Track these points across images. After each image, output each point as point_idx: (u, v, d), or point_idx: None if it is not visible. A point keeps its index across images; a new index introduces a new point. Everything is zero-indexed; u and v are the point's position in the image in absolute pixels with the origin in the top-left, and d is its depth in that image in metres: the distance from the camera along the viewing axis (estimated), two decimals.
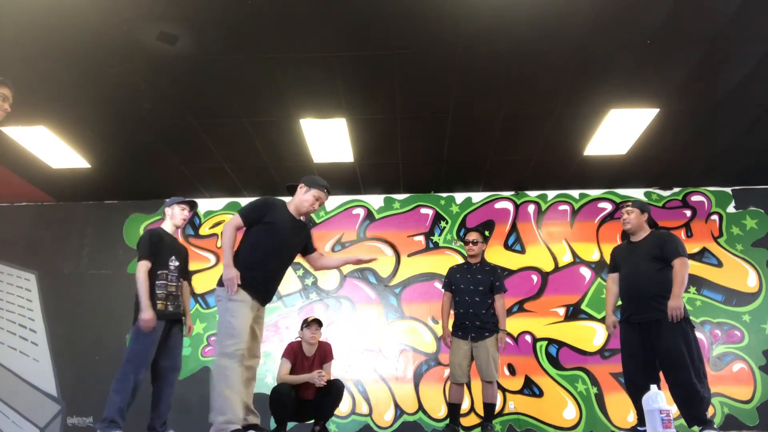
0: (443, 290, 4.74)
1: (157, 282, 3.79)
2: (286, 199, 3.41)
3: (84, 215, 6.47)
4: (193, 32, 3.79)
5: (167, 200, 4.14)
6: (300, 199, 3.32)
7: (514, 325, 5.82)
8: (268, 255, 3.19)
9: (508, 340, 4.77)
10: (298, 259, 3.52)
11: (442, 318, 4.66)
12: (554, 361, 5.80)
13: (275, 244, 3.21)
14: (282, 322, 6.04)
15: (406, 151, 5.47)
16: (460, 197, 6.45)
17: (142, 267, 3.76)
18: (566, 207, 6.37)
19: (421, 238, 6.30)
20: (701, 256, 6.05)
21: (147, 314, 3.64)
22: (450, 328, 4.57)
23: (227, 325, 3.01)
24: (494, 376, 4.34)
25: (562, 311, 5.97)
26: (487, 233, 6.16)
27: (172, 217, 4.02)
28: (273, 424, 4.13)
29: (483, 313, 4.43)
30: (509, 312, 5.78)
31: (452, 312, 4.62)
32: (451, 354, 4.49)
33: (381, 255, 6.22)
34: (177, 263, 3.91)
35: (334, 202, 6.44)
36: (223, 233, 3.16)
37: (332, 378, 4.27)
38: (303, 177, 3.40)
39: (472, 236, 4.62)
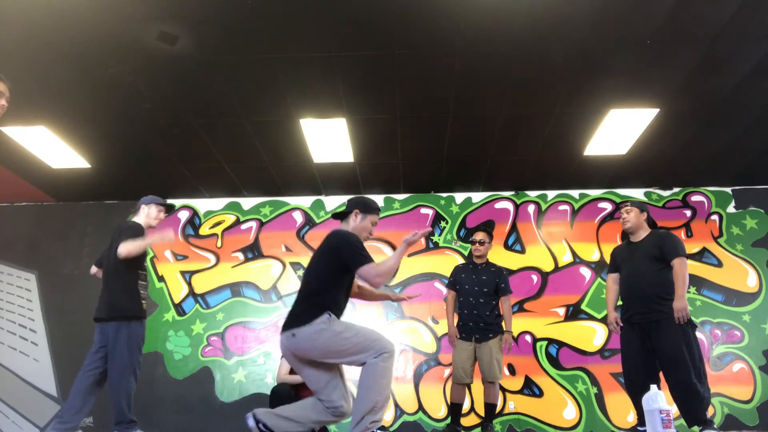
0: (447, 289, 4.71)
1: (140, 282, 3.72)
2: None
3: (84, 215, 6.47)
4: (193, 32, 3.79)
5: (145, 198, 3.95)
6: (358, 228, 3.06)
7: (514, 325, 5.75)
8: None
9: None
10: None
11: (447, 317, 4.62)
12: (554, 361, 5.80)
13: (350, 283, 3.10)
14: (282, 321, 6.02)
15: (406, 151, 5.47)
16: (460, 197, 6.44)
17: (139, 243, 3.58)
18: (566, 207, 6.37)
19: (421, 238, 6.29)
20: (701, 256, 6.05)
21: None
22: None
23: (361, 334, 2.86)
24: (497, 377, 4.34)
25: (562, 311, 5.96)
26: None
27: (147, 216, 3.88)
28: None
29: (487, 315, 4.41)
30: None
31: (456, 312, 4.61)
32: (455, 354, 4.48)
33: (381, 255, 6.22)
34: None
35: (333, 202, 6.43)
36: (387, 271, 2.90)
37: None
38: (352, 200, 3.12)
39: (480, 236, 4.59)
